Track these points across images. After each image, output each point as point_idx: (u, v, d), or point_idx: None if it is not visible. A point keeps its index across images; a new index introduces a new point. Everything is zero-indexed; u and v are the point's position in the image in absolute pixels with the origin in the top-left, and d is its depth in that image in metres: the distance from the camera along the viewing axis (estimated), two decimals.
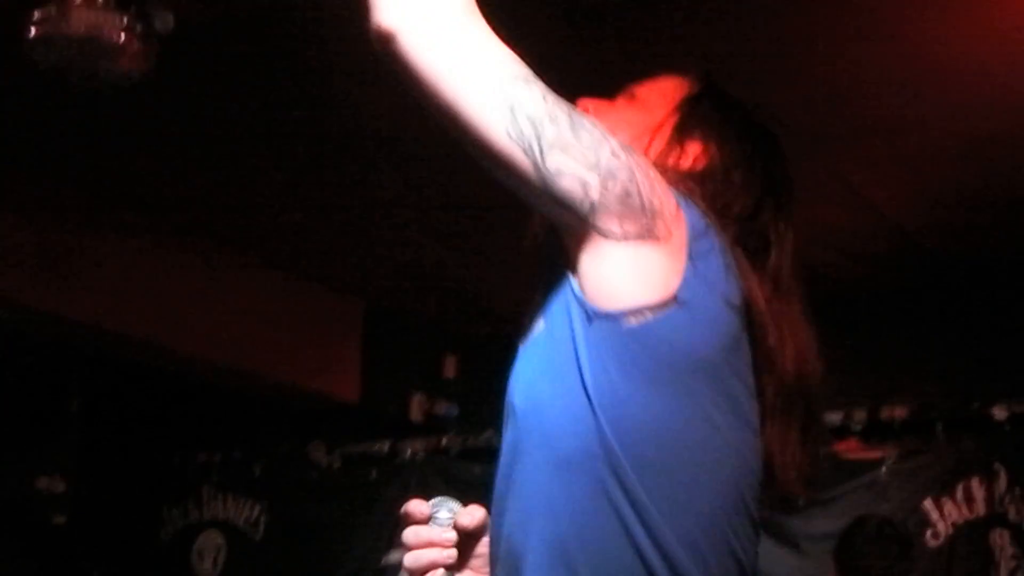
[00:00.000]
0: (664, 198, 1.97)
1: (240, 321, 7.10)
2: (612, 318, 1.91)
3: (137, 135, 5.49)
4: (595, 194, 1.90)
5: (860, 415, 6.61)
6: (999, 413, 6.22)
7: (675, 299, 1.92)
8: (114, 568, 8.23)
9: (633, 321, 1.90)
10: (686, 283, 1.93)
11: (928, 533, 6.28)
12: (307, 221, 6.46)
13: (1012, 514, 6.07)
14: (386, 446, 7.96)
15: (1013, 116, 4.86)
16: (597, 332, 1.92)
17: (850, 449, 6.68)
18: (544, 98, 1.91)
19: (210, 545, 8.46)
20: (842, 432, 6.70)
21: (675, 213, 1.97)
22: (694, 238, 1.98)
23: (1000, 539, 6.11)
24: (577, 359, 1.94)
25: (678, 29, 4.35)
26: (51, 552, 8.43)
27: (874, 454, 6.58)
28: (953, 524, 6.27)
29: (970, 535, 6.24)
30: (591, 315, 1.93)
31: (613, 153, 1.93)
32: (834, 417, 6.63)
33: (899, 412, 6.54)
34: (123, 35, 4.03)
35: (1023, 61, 4.45)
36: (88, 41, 4.00)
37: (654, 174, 1.99)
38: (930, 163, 5.35)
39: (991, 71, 4.53)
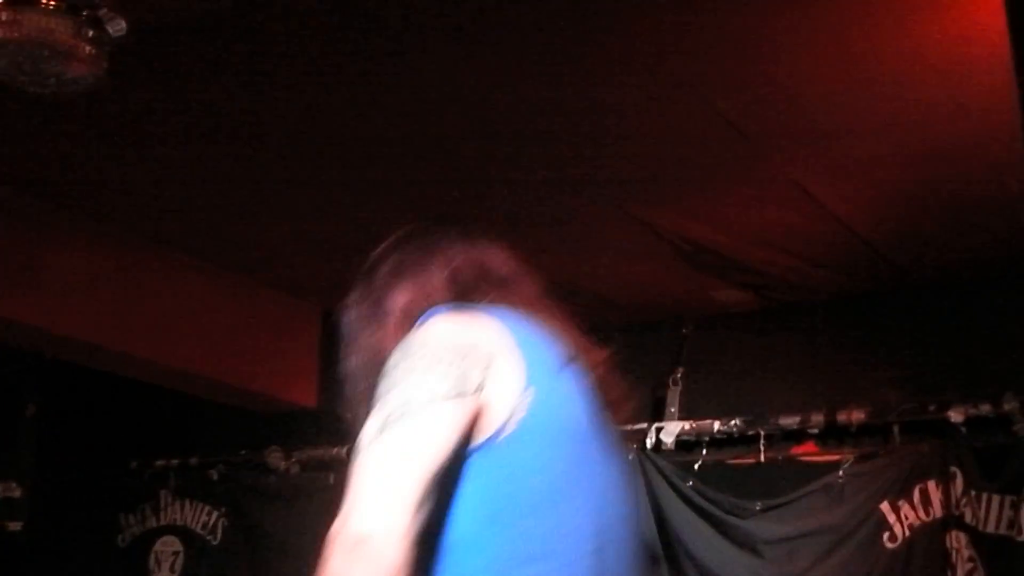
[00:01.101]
0: None
1: (197, 326, 7.12)
2: None
3: (88, 139, 5.48)
4: None
5: (817, 419, 6.66)
6: (955, 416, 6.26)
7: None
8: (71, 574, 8.21)
9: None
10: None
11: (886, 536, 6.33)
12: (263, 225, 6.46)
13: (968, 516, 6.12)
14: (344, 451, 7.94)
15: (964, 124, 4.90)
16: None
17: (807, 452, 6.74)
18: None
19: (168, 550, 8.46)
20: (799, 436, 6.76)
21: None
22: None
23: (957, 541, 6.16)
24: None
25: (630, 37, 4.38)
26: (7, 558, 8.41)
27: (831, 457, 6.63)
28: (910, 526, 6.32)
29: (927, 537, 6.29)
30: None
31: None
32: (791, 420, 6.70)
33: (856, 416, 6.59)
34: (74, 40, 4.03)
35: (974, 70, 4.48)
36: (39, 45, 4.01)
37: None
38: (883, 169, 5.39)
39: (942, 79, 4.57)
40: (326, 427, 7.94)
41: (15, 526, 8.50)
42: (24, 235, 6.31)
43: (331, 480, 7.98)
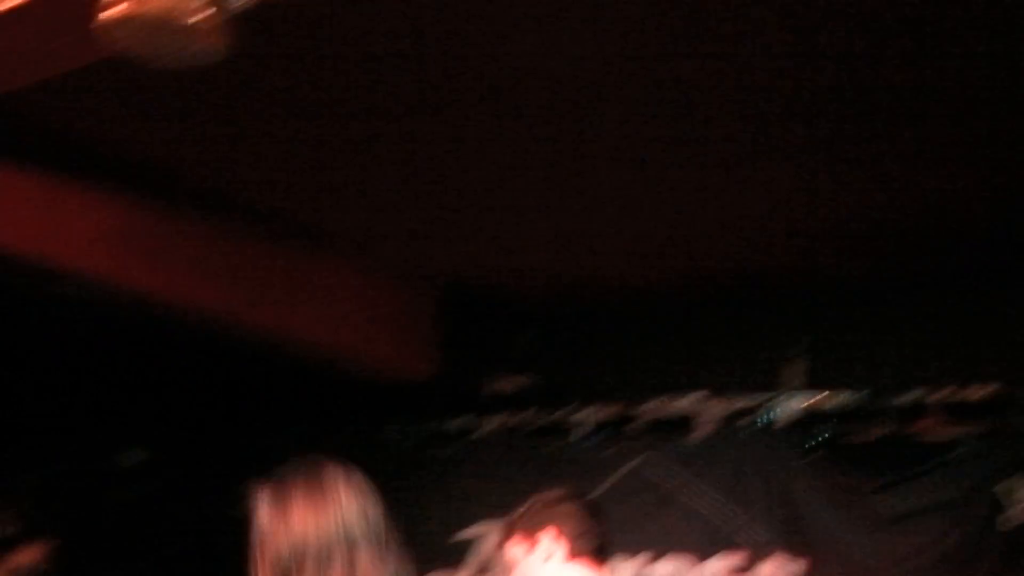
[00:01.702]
0: None
1: (314, 299, 7.19)
2: None
3: (210, 116, 5.57)
4: None
5: (939, 394, 6.60)
6: None
7: None
8: (188, 543, 8.34)
9: None
10: None
11: (1002, 516, 6.27)
12: (382, 199, 6.52)
13: None
14: (461, 423, 8.01)
15: None
16: None
17: (929, 429, 6.68)
18: None
19: None
20: (921, 411, 6.70)
21: None
22: None
23: None
24: None
25: None
26: (128, 527, 8.59)
27: (953, 433, 6.57)
28: None
29: None
30: None
31: None
32: (914, 396, 6.63)
33: (979, 392, 6.52)
34: (197, 14, 4.09)
35: None
36: (162, 20, 4.06)
37: None
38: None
39: None
40: (444, 399, 8.02)
41: (141, 494, 8.70)
42: (153, 213, 6.41)
43: (448, 453, 8.06)
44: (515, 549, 4.32)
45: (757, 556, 6.79)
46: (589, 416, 7.53)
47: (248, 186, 6.50)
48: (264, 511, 3.11)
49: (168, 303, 6.63)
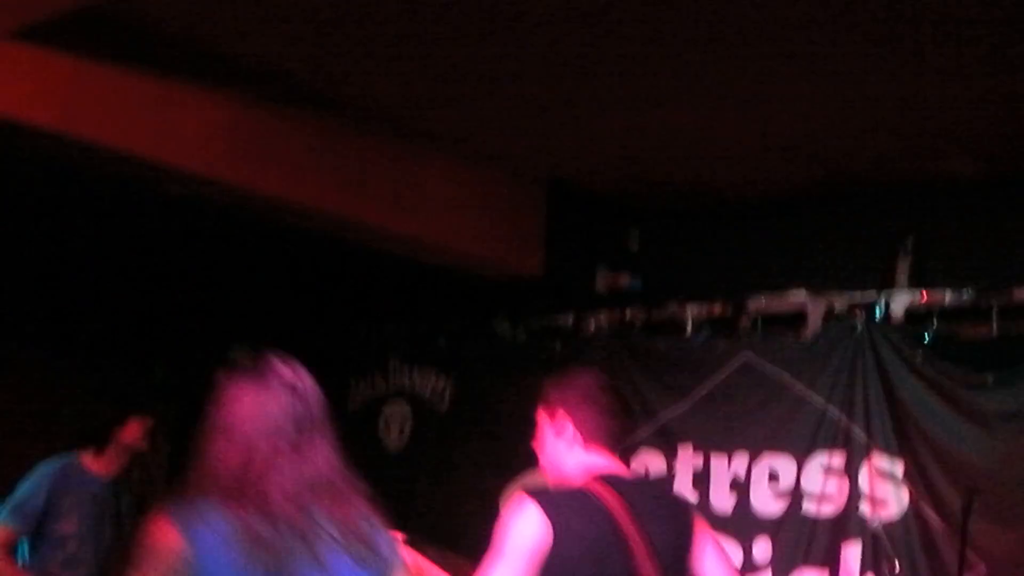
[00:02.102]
0: None
1: (426, 197, 7.27)
2: None
3: (320, 17, 5.63)
4: None
5: None
6: None
7: None
8: None
9: None
10: None
11: None
12: (490, 97, 6.55)
13: None
14: (570, 319, 8.08)
15: None
16: None
17: None
18: None
19: (397, 415, 8.71)
20: None
21: None
22: None
23: None
24: None
25: None
26: None
27: None
28: None
29: None
30: None
31: None
32: (1020, 294, 6.58)
33: None
34: None
35: None
36: None
37: None
38: None
39: None
40: (552, 296, 8.07)
41: None
42: (264, 114, 6.50)
43: (557, 348, 8.13)
44: (541, 418, 4.33)
45: (862, 453, 6.81)
46: (698, 313, 7.56)
47: (357, 86, 6.56)
48: (231, 396, 3.36)
49: (278, 203, 6.74)
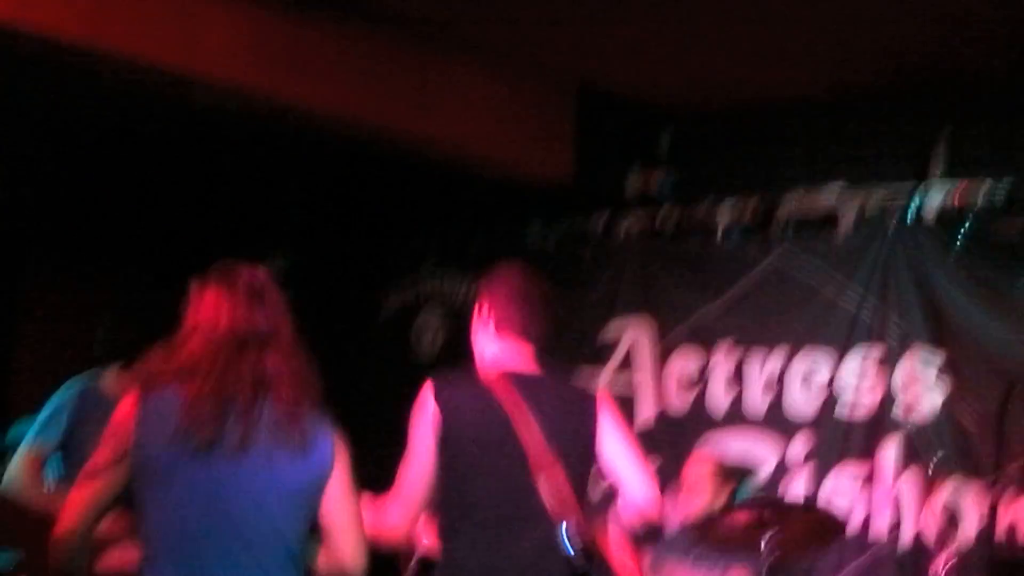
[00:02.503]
0: None
1: (455, 102, 7.24)
2: None
3: None
4: None
5: None
6: None
7: None
8: (335, 346, 8.51)
9: None
10: None
11: None
12: (519, 1, 6.50)
13: None
14: (601, 223, 8.06)
15: None
16: None
17: None
18: None
19: (429, 324, 8.72)
20: None
21: None
22: None
23: None
24: None
25: None
26: None
27: None
28: None
29: None
30: None
31: None
32: None
33: None
34: None
35: None
36: None
37: None
38: None
39: None
40: (582, 200, 8.05)
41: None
42: (294, 25, 6.47)
43: (588, 253, 8.12)
44: (474, 311, 4.59)
45: (898, 350, 6.82)
46: (730, 212, 7.54)
47: None
48: (201, 299, 3.68)
49: (305, 111, 6.73)
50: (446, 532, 4.33)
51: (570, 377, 4.67)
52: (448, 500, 4.29)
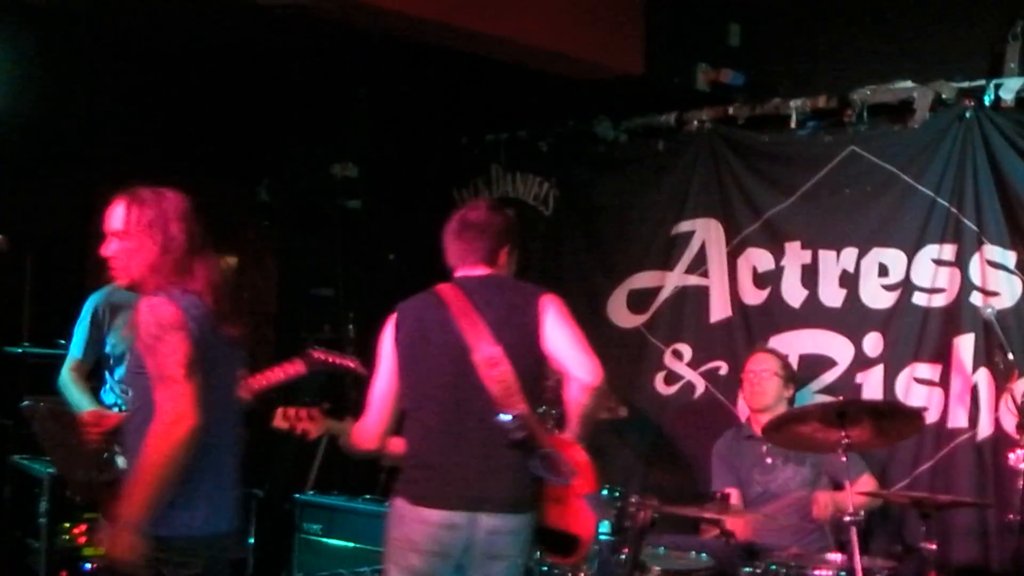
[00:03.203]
0: None
1: None
2: None
3: None
4: None
5: None
6: None
7: None
8: (408, 249, 8.58)
9: None
10: None
11: None
12: None
13: None
14: (672, 117, 8.05)
15: None
16: None
17: None
18: None
19: None
20: None
21: None
22: None
23: None
24: None
25: None
26: (348, 235, 8.87)
27: None
28: None
29: None
30: None
31: None
32: None
33: None
34: None
35: None
36: None
37: None
38: None
39: None
40: (653, 94, 8.02)
41: (354, 204, 8.95)
42: None
43: (660, 147, 8.12)
44: None
45: (973, 243, 6.77)
46: (802, 106, 7.48)
47: None
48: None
49: (374, 11, 6.69)
50: (405, 427, 4.89)
51: (518, 282, 5.08)
52: (405, 398, 4.88)
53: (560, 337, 4.78)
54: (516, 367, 4.69)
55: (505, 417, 4.58)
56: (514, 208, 8.60)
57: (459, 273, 4.99)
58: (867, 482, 6.48)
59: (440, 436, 4.75)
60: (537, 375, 4.84)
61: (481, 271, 4.95)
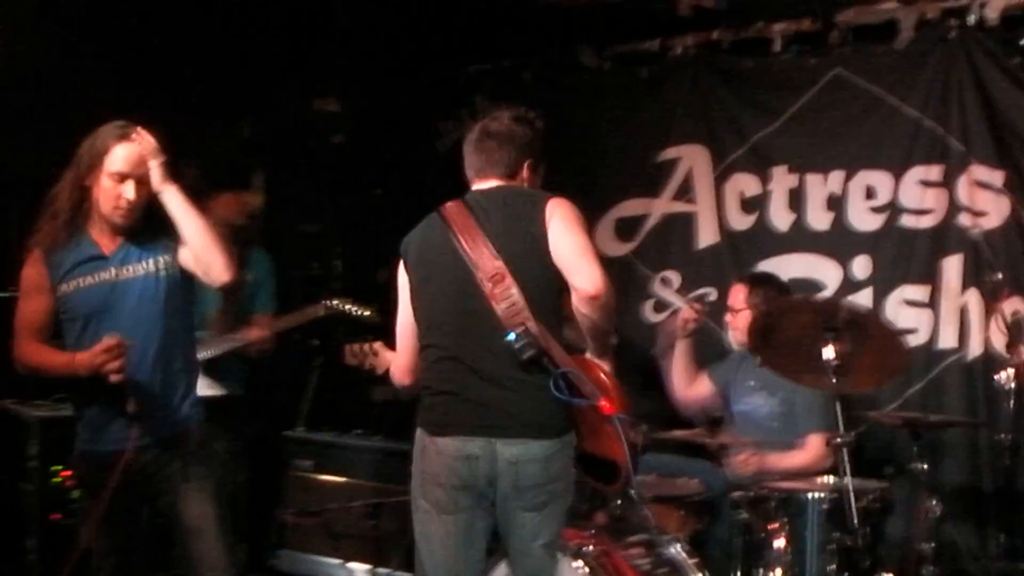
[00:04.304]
0: None
1: None
2: None
3: None
4: None
5: None
6: None
7: None
8: (393, 183, 8.57)
9: None
10: None
11: None
12: None
13: None
14: (655, 44, 8.03)
15: None
16: None
17: None
18: None
19: None
20: None
21: None
22: None
23: None
24: None
25: None
26: (333, 171, 8.85)
27: None
28: None
29: None
30: None
31: None
32: None
33: None
34: None
35: None
36: None
37: None
38: None
39: None
40: (636, 20, 7.98)
41: (338, 139, 8.92)
42: None
43: (644, 74, 8.10)
44: None
45: (960, 164, 6.78)
46: (786, 29, 7.49)
47: None
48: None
49: None
50: (421, 355, 4.77)
51: (524, 189, 4.83)
52: (418, 326, 4.77)
53: (563, 243, 4.51)
54: (523, 281, 4.48)
55: (511, 336, 4.40)
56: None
57: (472, 187, 4.82)
58: (812, 442, 6.24)
59: (451, 362, 4.58)
60: (549, 288, 4.54)
61: (493, 183, 4.78)
